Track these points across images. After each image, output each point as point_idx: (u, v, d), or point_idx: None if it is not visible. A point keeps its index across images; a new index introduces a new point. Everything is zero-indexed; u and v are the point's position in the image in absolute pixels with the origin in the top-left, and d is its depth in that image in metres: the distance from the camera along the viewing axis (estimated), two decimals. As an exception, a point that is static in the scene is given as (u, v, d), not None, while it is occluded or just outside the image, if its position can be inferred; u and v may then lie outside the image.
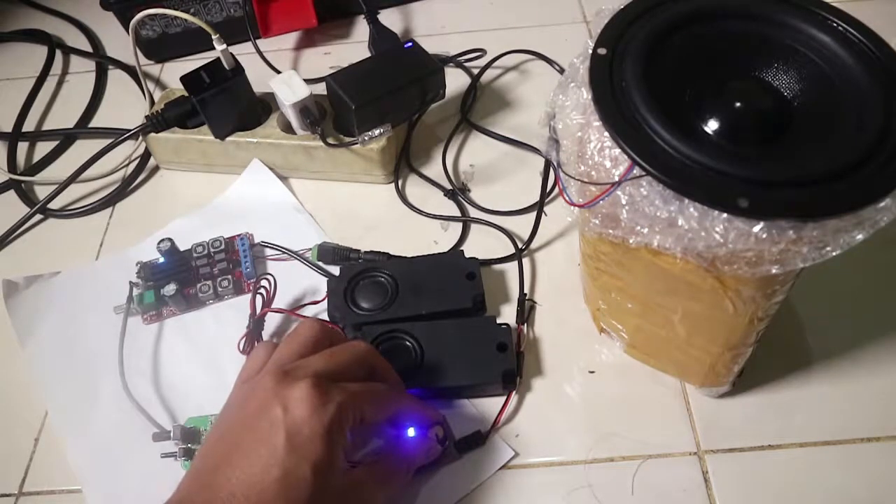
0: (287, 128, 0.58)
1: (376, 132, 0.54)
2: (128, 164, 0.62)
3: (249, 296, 0.49)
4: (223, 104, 0.56)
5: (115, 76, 0.72)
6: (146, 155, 0.62)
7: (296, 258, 0.53)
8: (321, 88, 0.57)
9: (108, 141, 0.59)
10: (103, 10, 0.66)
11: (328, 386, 0.36)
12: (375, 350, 0.41)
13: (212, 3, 0.68)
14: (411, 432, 0.42)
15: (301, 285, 0.52)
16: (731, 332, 0.39)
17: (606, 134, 0.33)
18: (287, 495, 0.33)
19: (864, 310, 0.49)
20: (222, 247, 0.53)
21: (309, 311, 0.50)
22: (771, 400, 0.45)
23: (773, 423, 0.44)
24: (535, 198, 0.55)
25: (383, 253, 0.52)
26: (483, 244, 0.54)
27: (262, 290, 0.49)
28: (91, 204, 0.60)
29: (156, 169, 0.62)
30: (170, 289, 0.50)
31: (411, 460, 0.42)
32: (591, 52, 0.36)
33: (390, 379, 0.42)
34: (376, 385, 0.41)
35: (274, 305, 0.49)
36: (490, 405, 0.46)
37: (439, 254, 0.52)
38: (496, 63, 0.67)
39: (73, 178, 0.59)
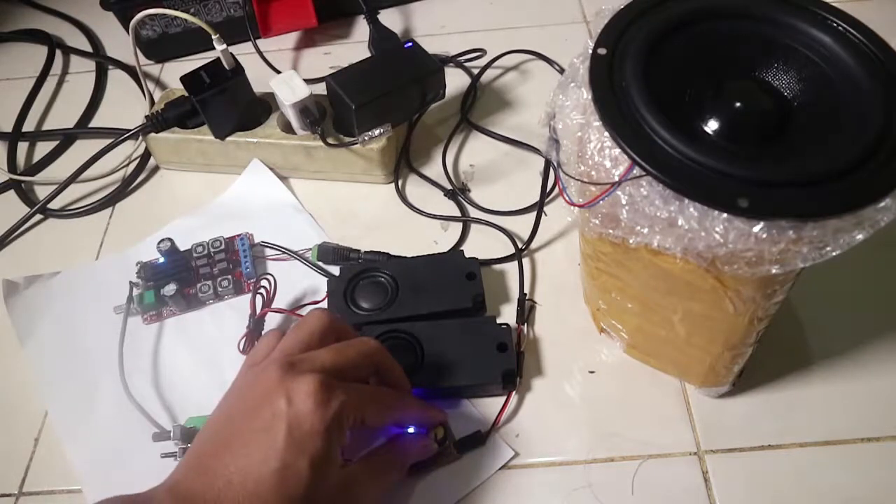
0: (287, 128, 0.58)
1: (376, 132, 0.54)
2: (128, 164, 0.62)
3: (249, 296, 0.49)
4: (223, 104, 0.56)
5: (115, 76, 0.72)
6: (146, 155, 0.62)
7: (296, 258, 0.53)
8: (321, 88, 0.57)
9: (108, 141, 0.59)
10: (103, 10, 0.66)
11: (333, 383, 0.36)
12: (384, 348, 0.41)
13: (212, 3, 0.68)
14: (410, 429, 0.42)
15: (301, 285, 0.52)
16: (731, 332, 0.39)
17: (606, 134, 0.33)
18: (283, 487, 0.34)
19: (864, 310, 0.49)
20: (222, 247, 0.53)
21: (309, 311, 0.50)
22: (771, 400, 0.45)
23: (773, 423, 0.44)
24: (535, 198, 0.55)
25: (383, 253, 0.52)
26: (483, 244, 0.54)
27: (262, 290, 0.49)
28: (91, 204, 0.60)
29: (156, 169, 0.62)
30: (170, 289, 0.50)
31: (406, 457, 0.42)
32: (591, 52, 0.36)
33: (397, 379, 0.42)
34: (382, 389, 0.41)
35: (274, 305, 0.49)
36: (490, 405, 0.46)
37: (439, 254, 0.52)
38: (496, 63, 0.67)
39: (73, 178, 0.59)
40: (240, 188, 0.59)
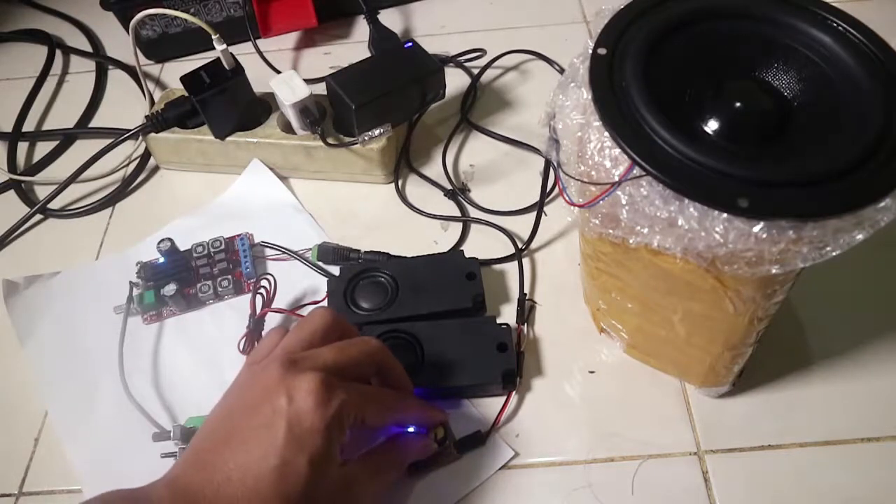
0: (287, 128, 0.58)
1: (376, 132, 0.54)
2: (128, 164, 0.62)
3: (249, 296, 0.49)
4: (223, 104, 0.56)
5: (115, 76, 0.72)
6: (146, 155, 0.62)
7: (296, 258, 0.53)
8: (321, 88, 0.57)
9: (108, 141, 0.59)
10: (103, 10, 0.66)
11: (334, 381, 0.36)
12: (386, 348, 0.41)
13: (212, 3, 0.68)
14: (410, 427, 0.42)
15: (301, 285, 0.52)
16: (731, 332, 0.39)
17: (606, 134, 0.33)
18: (282, 484, 0.34)
19: (864, 310, 0.48)
20: (222, 247, 0.53)
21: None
22: (771, 400, 0.45)
23: (773, 423, 0.44)
24: (535, 198, 0.55)
25: (383, 253, 0.52)
26: (483, 244, 0.54)
27: (262, 290, 0.49)
28: (91, 204, 0.60)
29: (156, 169, 0.62)
30: (170, 289, 0.50)
31: (405, 456, 0.42)
32: (591, 52, 0.36)
33: (399, 378, 0.42)
34: (383, 390, 0.41)
35: (274, 305, 0.49)
36: (490, 405, 0.46)
37: (439, 254, 0.52)
38: (496, 63, 0.67)
39: (73, 178, 0.59)
40: (240, 188, 0.59)
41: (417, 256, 0.52)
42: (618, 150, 0.33)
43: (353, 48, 0.71)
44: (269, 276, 0.50)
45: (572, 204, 0.37)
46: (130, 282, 0.51)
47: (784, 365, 0.46)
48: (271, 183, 0.58)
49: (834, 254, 0.31)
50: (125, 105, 0.69)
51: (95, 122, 0.68)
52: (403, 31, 0.72)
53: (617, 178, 0.33)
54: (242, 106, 0.57)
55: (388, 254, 0.52)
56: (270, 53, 0.69)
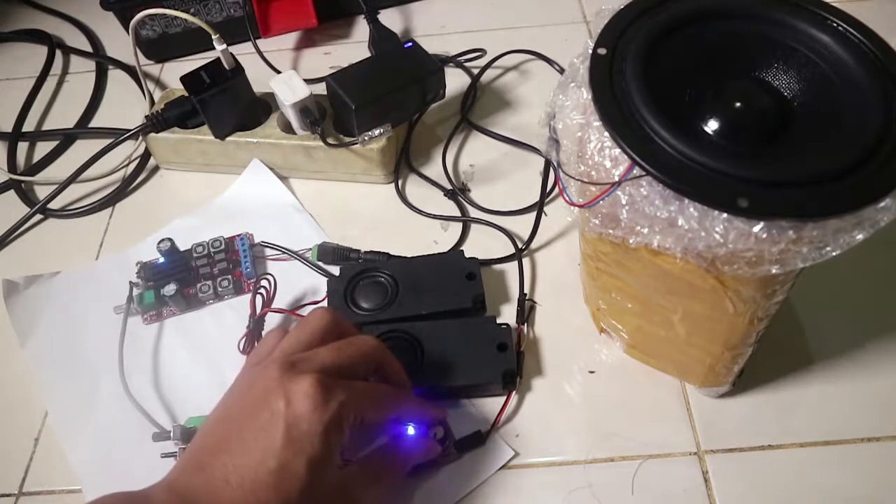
0: (287, 128, 0.58)
1: (376, 132, 0.54)
2: (128, 164, 0.62)
3: (249, 296, 0.49)
4: (223, 104, 0.56)
5: (115, 76, 0.72)
6: (146, 155, 0.62)
7: (296, 258, 0.53)
8: (321, 88, 0.57)
9: (108, 141, 0.59)
10: (103, 10, 0.66)
11: (332, 383, 0.36)
12: (385, 347, 0.41)
13: (212, 3, 0.68)
14: (410, 431, 0.42)
15: (301, 285, 0.52)
16: (731, 332, 0.39)
17: (606, 134, 0.33)
18: (279, 487, 0.34)
19: (864, 310, 0.48)
20: (222, 247, 0.53)
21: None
22: (771, 400, 0.45)
23: (773, 423, 0.44)
24: (535, 198, 0.55)
25: (383, 253, 0.53)
26: (483, 244, 0.54)
27: (262, 290, 0.49)
28: (91, 204, 0.60)
29: (156, 169, 0.62)
30: (170, 289, 0.50)
31: (406, 460, 0.42)
32: (591, 52, 0.36)
33: (398, 378, 0.42)
34: (381, 387, 0.41)
35: (274, 305, 0.49)
36: (490, 405, 0.46)
37: (439, 254, 0.52)
38: (496, 63, 0.67)
39: (73, 178, 0.59)
40: (240, 188, 0.59)
41: (417, 256, 0.52)
42: (618, 150, 0.33)
43: (353, 48, 0.71)
44: (269, 276, 0.50)
45: (572, 204, 0.37)
46: (130, 282, 0.51)
47: (784, 365, 0.46)
48: (271, 183, 0.58)
49: (834, 254, 0.31)
50: (125, 105, 0.69)
51: (95, 122, 0.68)
52: (403, 31, 0.72)
53: (617, 178, 0.33)
54: (242, 106, 0.57)
55: (388, 254, 0.52)
56: (270, 53, 0.69)
